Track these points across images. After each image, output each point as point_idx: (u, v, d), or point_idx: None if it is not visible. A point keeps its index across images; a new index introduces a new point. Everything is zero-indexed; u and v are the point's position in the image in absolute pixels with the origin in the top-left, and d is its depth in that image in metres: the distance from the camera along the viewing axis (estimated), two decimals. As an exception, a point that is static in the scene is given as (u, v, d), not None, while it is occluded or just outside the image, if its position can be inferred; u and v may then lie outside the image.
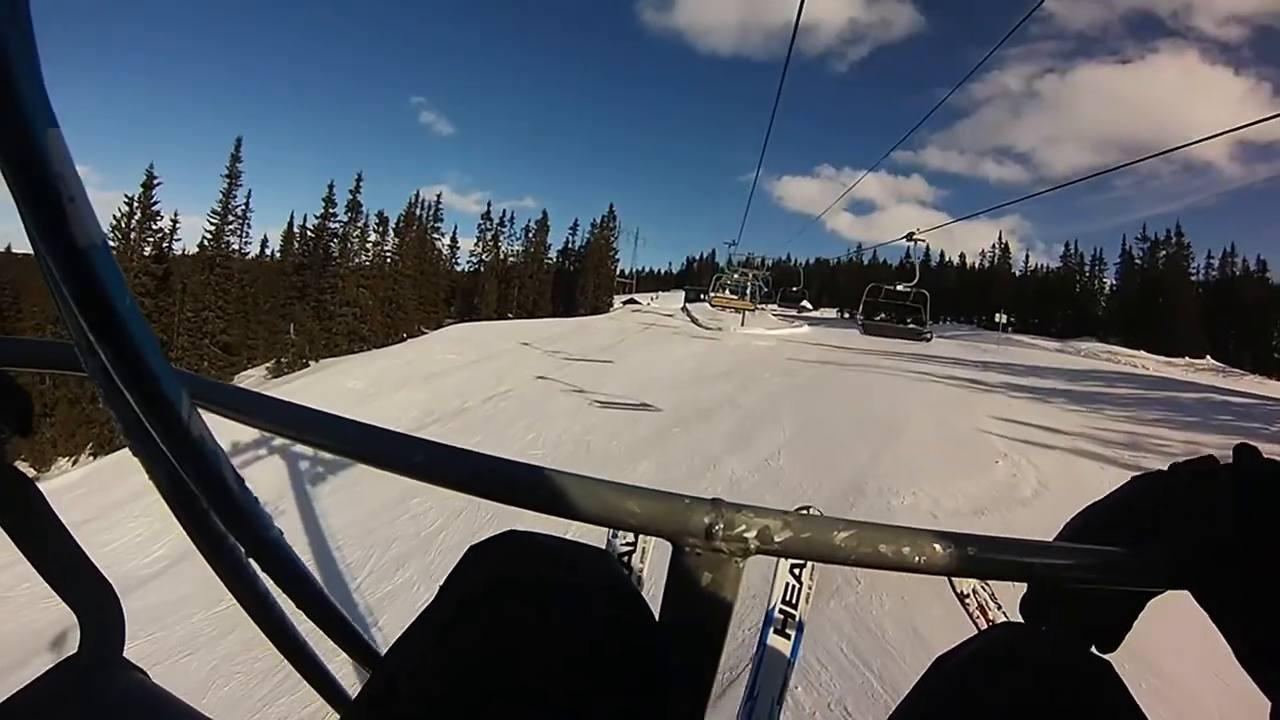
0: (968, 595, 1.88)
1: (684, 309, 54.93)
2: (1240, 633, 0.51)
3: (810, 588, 2.02)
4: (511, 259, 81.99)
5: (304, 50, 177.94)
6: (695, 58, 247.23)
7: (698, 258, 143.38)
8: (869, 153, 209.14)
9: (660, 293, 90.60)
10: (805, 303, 50.96)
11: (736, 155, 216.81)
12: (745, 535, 0.55)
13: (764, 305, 51.66)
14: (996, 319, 37.53)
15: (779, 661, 1.98)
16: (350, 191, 66.08)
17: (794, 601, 2.02)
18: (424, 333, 42.83)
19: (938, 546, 0.55)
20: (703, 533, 0.55)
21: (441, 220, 77.89)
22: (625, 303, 74.62)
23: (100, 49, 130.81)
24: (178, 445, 0.54)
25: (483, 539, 0.64)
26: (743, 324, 40.60)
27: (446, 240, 79.91)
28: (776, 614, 2.03)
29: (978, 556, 0.55)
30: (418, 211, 76.44)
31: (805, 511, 0.69)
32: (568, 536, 0.64)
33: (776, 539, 0.55)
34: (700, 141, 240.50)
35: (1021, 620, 0.71)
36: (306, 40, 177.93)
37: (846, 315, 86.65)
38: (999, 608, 1.84)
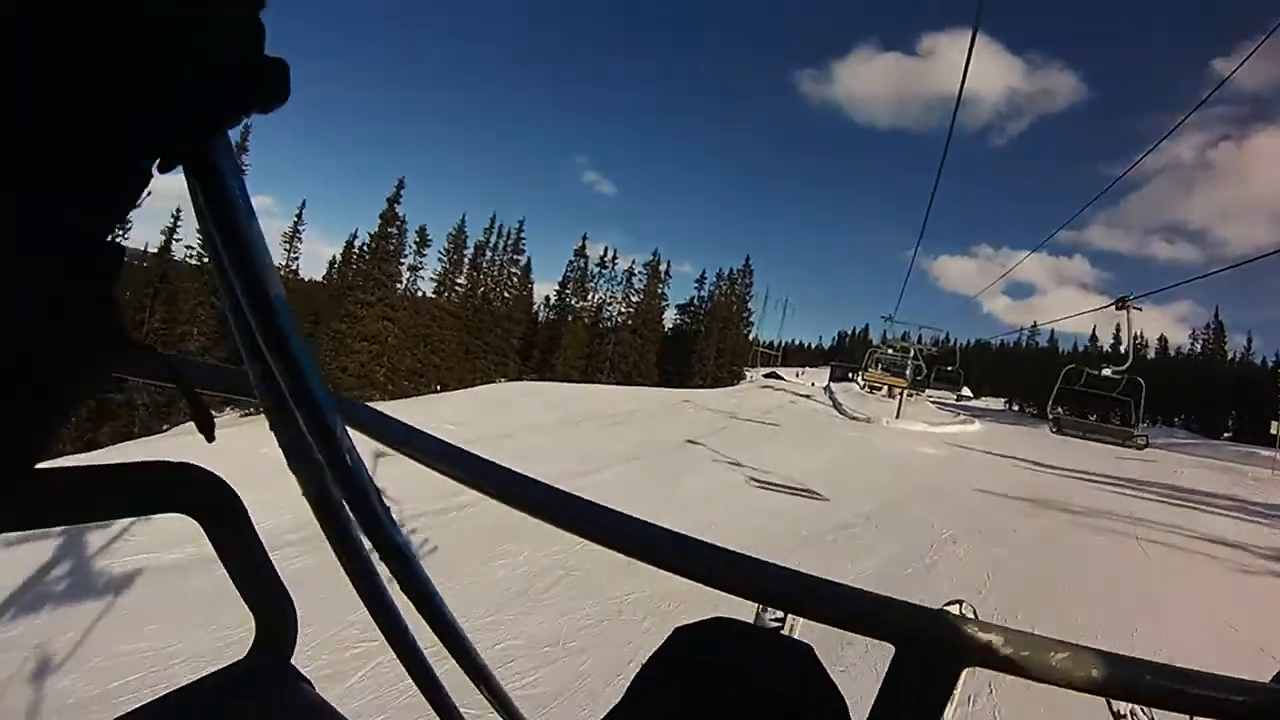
0: (1124, 714, 1.89)
1: (827, 389, 47.05)
2: None
3: (957, 691, 1.41)
4: (619, 310, 64.71)
5: (472, 97, 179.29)
6: (853, 129, 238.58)
7: (849, 333, 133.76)
8: (1029, 231, 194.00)
9: (808, 368, 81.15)
10: (966, 390, 43.82)
11: (892, 230, 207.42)
12: (970, 647, 0.57)
13: (920, 391, 43.75)
14: (1273, 430, 26.69)
15: None
16: (389, 200, 51.26)
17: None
18: (499, 381, 35.16)
19: (1149, 677, 0.55)
20: (928, 640, 0.57)
21: (523, 252, 61.07)
22: (766, 375, 66.29)
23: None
24: (335, 463, 0.64)
25: (691, 621, 0.68)
26: (898, 415, 31.68)
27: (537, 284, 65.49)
28: None
29: (1192, 694, 0.54)
30: (491, 239, 59.96)
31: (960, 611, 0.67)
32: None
33: (1000, 653, 0.56)
34: (856, 214, 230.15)
35: None
36: (478, 88, 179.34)
37: (1016, 408, 75.36)
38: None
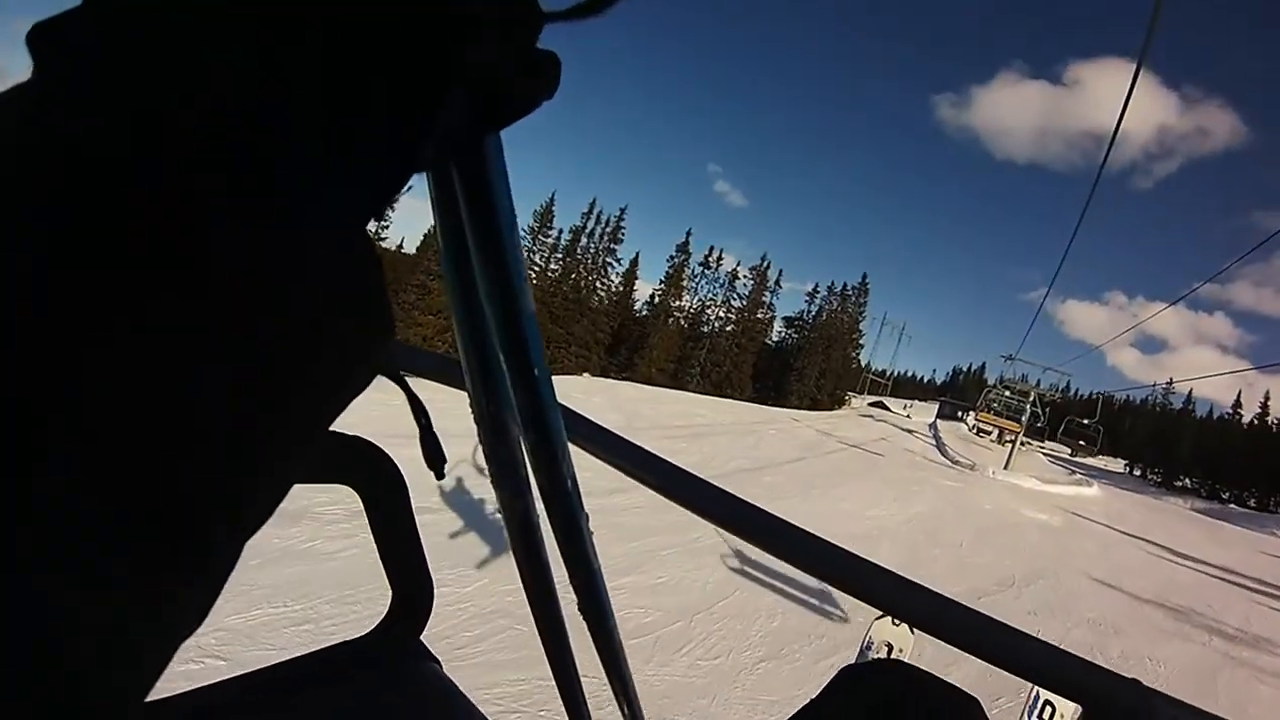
0: None
1: (932, 426, 43.55)
2: None
3: None
4: (717, 315, 59.60)
5: (622, 102, 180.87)
6: (989, 160, 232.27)
7: (965, 370, 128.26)
8: (1168, 282, 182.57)
9: (916, 402, 78.17)
10: (1081, 443, 40.44)
11: (1021, 268, 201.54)
12: (1158, 718, 0.58)
13: (1033, 441, 39.86)
14: None
15: None
16: None
17: None
18: (582, 376, 33.41)
19: None
20: (1119, 707, 0.59)
21: (621, 242, 56.09)
22: (872, 404, 62.91)
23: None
24: (555, 488, 0.67)
25: (860, 663, 0.75)
26: (1007, 465, 28.31)
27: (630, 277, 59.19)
28: None
29: None
30: (589, 225, 54.55)
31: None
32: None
33: None
34: (985, 248, 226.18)
35: None
36: (627, 96, 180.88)
37: (1138, 472, 69.36)
38: None
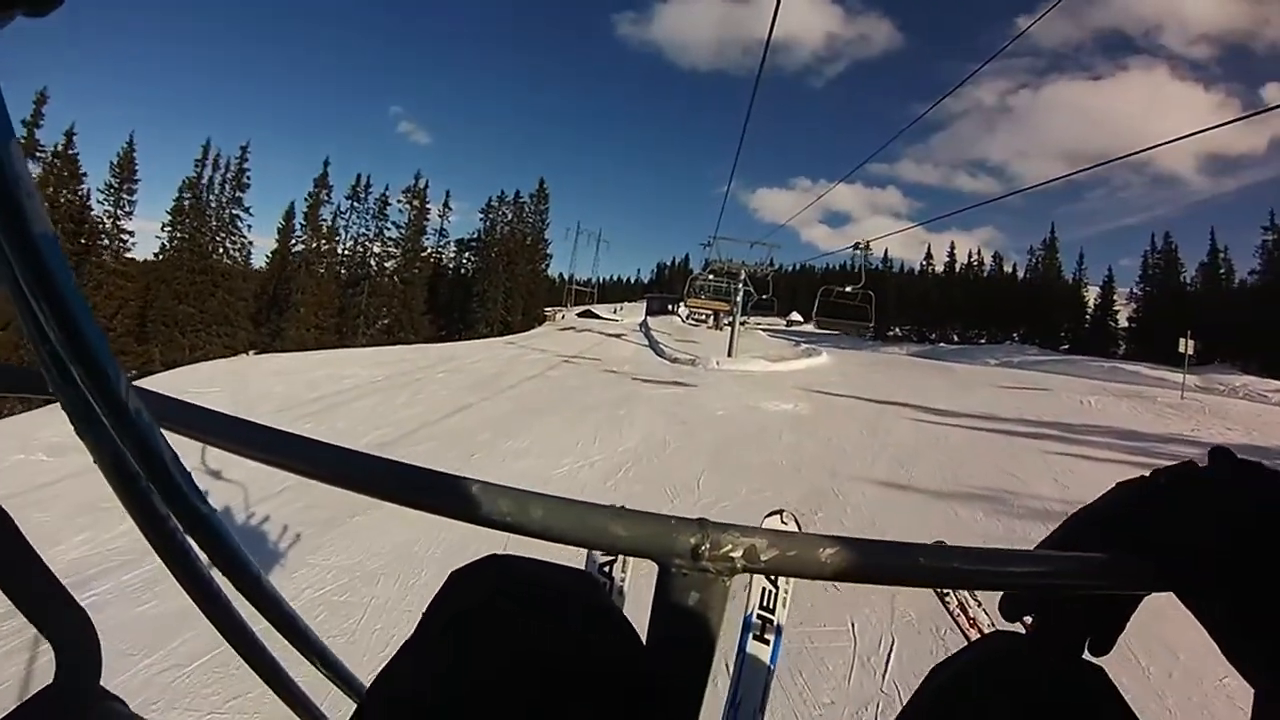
0: (948, 594, 1.88)
1: (643, 325, 41.43)
2: (1221, 629, 0.52)
3: (787, 593, 1.94)
4: (371, 250, 54.09)
5: (281, 52, 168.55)
6: (674, 72, 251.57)
7: (669, 264, 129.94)
8: (845, 166, 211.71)
9: (627, 304, 78.32)
10: (796, 315, 39.79)
11: (713, 166, 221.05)
12: (732, 555, 0.56)
13: (749, 318, 39.31)
14: (1181, 348, 22.49)
15: (759, 669, 1.96)
16: (26, 124, 40.18)
17: (771, 607, 1.99)
18: (243, 356, 27.48)
19: (922, 560, 0.56)
20: (689, 553, 0.56)
21: (246, 188, 49.08)
22: (581, 314, 60.52)
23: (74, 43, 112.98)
24: (119, 420, 0.58)
25: (465, 564, 0.65)
26: (730, 352, 26.10)
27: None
28: (754, 620, 1.99)
29: (961, 569, 0.56)
30: (206, 174, 47.84)
31: (782, 523, 0.73)
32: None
33: (763, 557, 0.56)
34: (678, 152, 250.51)
35: (1005, 621, 0.71)
36: (284, 43, 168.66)
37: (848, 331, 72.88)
38: (979, 604, 1.80)
